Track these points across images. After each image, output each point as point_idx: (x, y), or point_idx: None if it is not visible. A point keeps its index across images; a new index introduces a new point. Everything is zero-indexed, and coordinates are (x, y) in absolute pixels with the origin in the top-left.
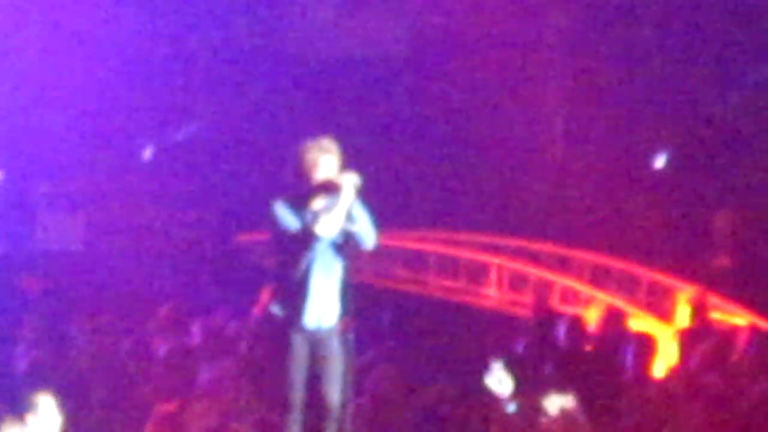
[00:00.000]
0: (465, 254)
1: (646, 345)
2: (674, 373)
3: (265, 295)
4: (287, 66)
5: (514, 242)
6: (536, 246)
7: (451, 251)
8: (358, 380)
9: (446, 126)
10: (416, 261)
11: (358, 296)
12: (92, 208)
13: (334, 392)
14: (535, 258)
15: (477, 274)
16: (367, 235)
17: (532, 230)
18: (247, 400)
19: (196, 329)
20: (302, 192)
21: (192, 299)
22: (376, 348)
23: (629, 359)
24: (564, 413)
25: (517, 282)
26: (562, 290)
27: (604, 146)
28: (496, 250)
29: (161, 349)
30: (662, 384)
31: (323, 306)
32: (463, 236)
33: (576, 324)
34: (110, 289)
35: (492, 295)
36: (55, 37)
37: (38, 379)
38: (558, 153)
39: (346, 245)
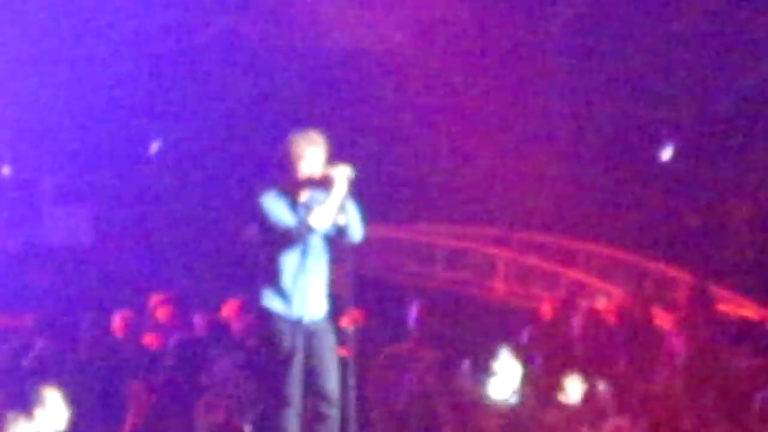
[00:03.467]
0: (473, 247)
1: (653, 335)
2: (680, 364)
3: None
4: (293, 60)
5: (521, 236)
6: (544, 239)
7: (460, 244)
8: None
9: (454, 119)
10: (425, 254)
11: (368, 290)
12: (99, 202)
13: (332, 383)
14: (542, 251)
15: (485, 267)
16: (356, 228)
17: (540, 224)
18: (250, 396)
19: (200, 323)
20: (291, 184)
21: (198, 293)
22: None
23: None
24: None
25: (524, 275)
26: (568, 283)
27: (612, 139)
28: (503, 243)
29: (171, 340)
30: (669, 375)
31: (315, 298)
32: (471, 229)
33: (592, 314)
34: (117, 282)
35: (499, 288)
36: (64, 32)
37: (45, 374)
38: (566, 146)
39: (337, 238)
